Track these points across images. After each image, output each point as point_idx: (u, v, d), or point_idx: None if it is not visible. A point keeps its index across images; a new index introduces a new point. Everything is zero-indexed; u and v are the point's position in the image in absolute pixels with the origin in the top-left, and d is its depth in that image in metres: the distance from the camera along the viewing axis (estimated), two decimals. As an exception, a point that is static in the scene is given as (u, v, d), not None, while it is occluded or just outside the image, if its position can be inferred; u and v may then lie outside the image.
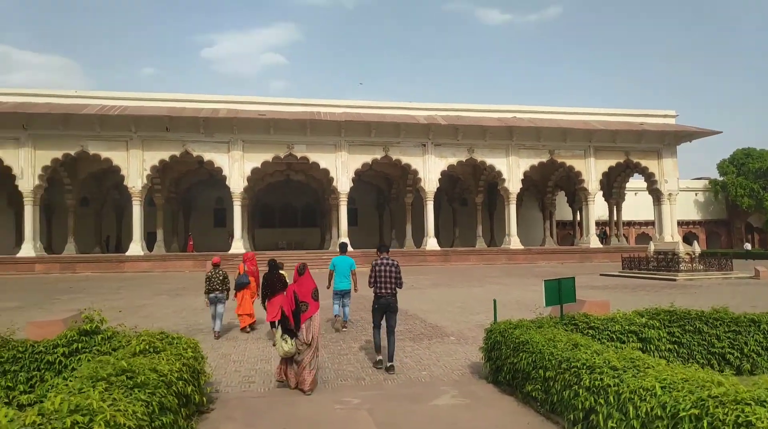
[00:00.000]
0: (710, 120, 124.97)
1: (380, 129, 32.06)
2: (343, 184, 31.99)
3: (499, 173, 34.14)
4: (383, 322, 7.58)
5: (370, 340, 8.17)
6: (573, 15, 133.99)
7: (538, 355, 5.35)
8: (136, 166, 30.12)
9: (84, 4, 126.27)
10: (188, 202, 41.80)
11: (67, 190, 34.31)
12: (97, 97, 31.64)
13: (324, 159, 31.95)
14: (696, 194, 52.67)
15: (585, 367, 4.57)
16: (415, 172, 33.26)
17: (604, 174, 36.23)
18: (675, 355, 6.87)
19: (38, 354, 5.50)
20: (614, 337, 6.67)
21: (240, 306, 10.36)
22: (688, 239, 43.93)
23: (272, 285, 9.18)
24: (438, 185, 33.51)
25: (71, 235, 33.80)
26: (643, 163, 35.93)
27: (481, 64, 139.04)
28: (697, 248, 23.09)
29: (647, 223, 48.56)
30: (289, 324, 6.45)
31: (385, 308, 7.50)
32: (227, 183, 31.17)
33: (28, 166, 29.15)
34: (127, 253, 30.27)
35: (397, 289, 7.56)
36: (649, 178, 36.36)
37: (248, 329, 10.44)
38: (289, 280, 8.61)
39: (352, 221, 36.25)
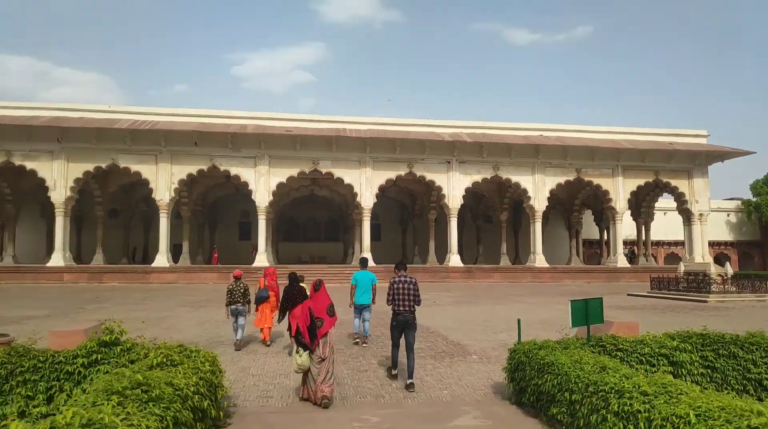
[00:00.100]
0: (743, 140, 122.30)
1: (405, 146, 32.09)
2: (367, 199, 32.02)
3: (525, 191, 33.78)
4: (402, 340, 7.55)
5: (390, 356, 8.06)
6: (602, 35, 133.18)
7: (564, 378, 5.16)
8: (164, 180, 30.63)
9: (121, 24, 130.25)
10: (214, 216, 42.27)
11: (97, 201, 35.04)
12: (128, 112, 32.37)
13: (348, 175, 32.06)
14: (728, 215, 51.28)
15: (613, 391, 4.38)
16: (439, 189, 33.11)
17: (633, 193, 35.55)
18: (708, 380, 6.58)
19: (58, 364, 5.51)
20: (644, 360, 6.43)
21: (259, 319, 10.44)
22: (719, 260, 42.69)
23: (293, 297, 9.18)
24: (462, 202, 33.29)
25: (100, 246, 34.43)
26: (673, 182, 35.19)
27: (509, 83, 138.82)
28: (729, 269, 22.40)
29: (677, 244, 47.36)
30: (303, 338, 6.42)
31: (403, 325, 7.49)
32: (253, 197, 31.45)
33: (61, 178, 29.87)
34: (153, 265, 30.66)
35: (416, 306, 7.57)
36: (679, 197, 35.57)
37: (268, 342, 10.44)
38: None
39: (375, 236, 36.17)
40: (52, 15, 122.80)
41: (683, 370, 6.44)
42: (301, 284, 9.66)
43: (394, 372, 7.71)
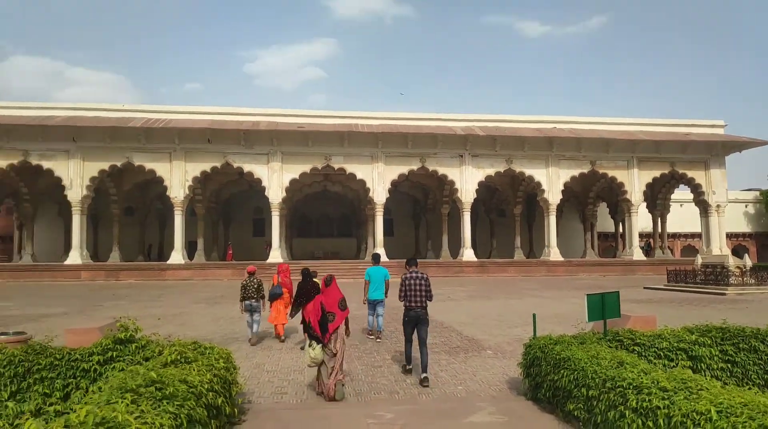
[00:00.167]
0: (762, 130, 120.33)
1: (417, 140, 31.99)
2: (380, 194, 31.99)
3: (539, 184, 33.54)
4: (414, 336, 7.58)
5: (403, 352, 8.06)
6: (617, 25, 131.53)
7: (581, 373, 5.08)
8: (178, 177, 30.84)
9: (134, 23, 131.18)
10: (228, 213, 42.53)
11: (112, 200, 35.42)
12: (142, 111, 32.62)
13: (361, 170, 32.05)
14: (746, 206, 50.51)
15: (632, 387, 4.30)
16: (452, 183, 32.98)
17: (648, 185, 35.14)
18: (728, 375, 6.46)
19: (74, 361, 5.55)
20: (662, 354, 6.32)
21: (274, 316, 10.53)
22: (737, 252, 42.06)
23: (307, 292, 9.23)
24: (475, 196, 33.13)
25: (116, 244, 34.83)
26: (690, 174, 34.71)
27: (521, 75, 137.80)
28: (748, 261, 22.08)
29: (693, 236, 46.78)
30: (314, 331, 6.48)
31: (415, 321, 7.53)
32: (266, 194, 31.58)
33: (77, 177, 30.20)
34: (169, 262, 30.93)
35: (428, 301, 7.61)
36: (696, 189, 35.09)
37: (282, 338, 10.49)
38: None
39: (387, 231, 36.15)
40: (64, 16, 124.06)
41: (702, 364, 6.32)
42: (314, 280, 9.69)
43: (408, 367, 7.72)
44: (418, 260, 8.42)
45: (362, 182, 32.34)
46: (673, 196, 41.10)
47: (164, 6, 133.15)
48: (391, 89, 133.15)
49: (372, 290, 10.38)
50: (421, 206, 42.80)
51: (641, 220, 37.57)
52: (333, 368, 6.45)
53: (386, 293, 10.48)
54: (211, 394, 4.40)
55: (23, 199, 34.56)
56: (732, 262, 21.81)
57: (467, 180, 32.73)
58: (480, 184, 33.23)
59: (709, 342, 6.51)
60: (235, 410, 5.36)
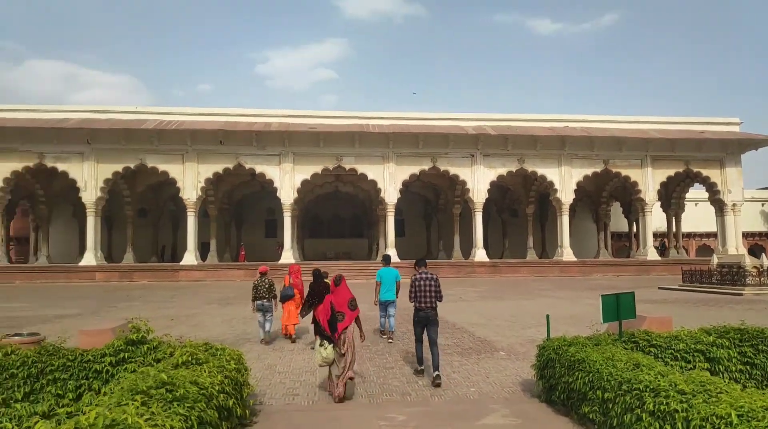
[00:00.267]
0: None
1: (428, 140, 31.90)
2: (391, 195, 31.94)
3: (551, 184, 33.29)
4: (425, 336, 7.59)
5: (414, 352, 8.02)
6: (629, 22, 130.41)
7: (596, 375, 5.00)
8: (191, 179, 31.02)
9: (146, 26, 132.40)
10: (240, 214, 42.70)
11: (126, 201, 35.72)
12: (155, 113, 32.87)
13: (372, 170, 32.02)
14: (762, 204, 49.80)
15: (648, 389, 4.22)
16: (464, 183, 32.84)
17: (662, 184, 34.74)
18: (747, 377, 6.32)
19: (87, 363, 5.57)
20: (678, 356, 6.21)
21: (286, 318, 10.56)
22: (754, 251, 41.45)
23: (319, 293, 9.21)
24: (487, 196, 32.95)
25: (130, 245, 35.12)
26: (705, 172, 34.27)
27: (533, 73, 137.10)
28: (765, 261, 21.70)
29: (709, 235, 46.21)
30: (325, 331, 6.49)
31: (425, 321, 7.53)
32: (278, 194, 31.65)
33: (91, 178, 30.48)
34: (182, 263, 31.12)
35: (437, 302, 7.61)
36: (711, 188, 34.64)
37: (293, 338, 10.50)
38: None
39: (399, 232, 36.09)
40: (79, 19, 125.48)
41: (721, 366, 6.20)
42: (325, 280, 9.68)
43: (420, 368, 7.69)
44: (429, 261, 8.42)
45: (373, 182, 32.32)
46: (687, 195, 40.61)
47: (175, 9, 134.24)
48: (402, 89, 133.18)
49: (383, 291, 10.40)
50: (433, 206, 42.69)
51: (655, 219, 37.13)
52: (343, 368, 6.45)
53: (397, 294, 10.48)
54: (222, 395, 4.38)
55: (39, 201, 34.98)
56: (749, 261, 21.47)
57: (479, 180, 32.58)
58: (492, 183, 33.06)
59: (727, 343, 6.39)
60: (247, 412, 5.35)
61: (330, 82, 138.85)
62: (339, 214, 45.10)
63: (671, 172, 34.15)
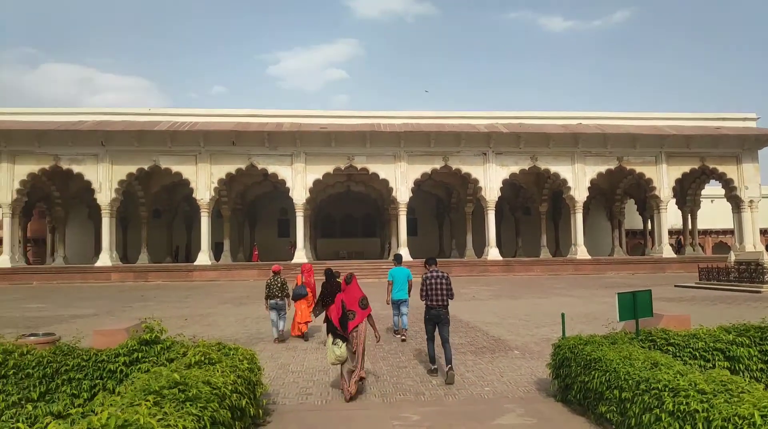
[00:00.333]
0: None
1: (440, 139, 31.79)
2: (403, 194, 31.88)
3: (564, 181, 33.02)
4: (436, 334, 7.60)
5: (426, 351, 8.00)
6: (642, 19, 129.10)
7: (613, 374, 4.92)
8: (204, 179, 31.20)
9: (160, 30, 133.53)
10: (253, 214, 42.88)
11: (140, 202, 36.04)
12: (168, 114, 33.13)
13: (383, 170, 31.98)
14: (781, 201, 49.01)
15: (668, 389, 4.13)
16: (476, 181, 32.69)
17: (678, 181, 34.31)
18: (768, 376, 6.21)
19: (101, 362, 5.60)
20: (697, 355, 6.10)
21: (298, 314, 10.58)
22: (773, 249, 40.84)
23: (332, 292, 9.21)
24: (499, 194, 32.76)
25: (144, 246, 35.43)
26: (721, 168, 33.78)
27: (545, 71, 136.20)
28: (784, 258, 21.33)
29: (725, 232, 45.61)
30: (337, 330, 6.51)
31: (436, 319, 7.54)
32: (290, 194, 31.73)
33: (106, 180, 30.78)
34: (196, 263, 31.31)
35: (449, 300, 7.62)
36: (728, 184, 34.14)
37: (306, 336, 10.53)
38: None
39: (411, 231, 36.03)
40: (94, 24, 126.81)
41: (741, 365, 6.08)
42: (337, 280, 9.69)
43: (433, 367, 7.67)
44: (442, 260, 8.42)
45: (385, 182, 32.27)
46: (703, 192, 40.08)
47: (188, 13, 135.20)
48: (414, 88, 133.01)
49: (395, 290, 10.40)
50: (445, 205, 42.55)
51: (671, 216, 36.72)
52: (355, 366, 6.45)
53: (409, 293, 10.47)
54: (234, 395, 4.37)
55: (55, 202, 35.40)
56: (767, 258, 21.12)
57: (491, 178, 32.40)
58: (504, 182, 32.86)
59: (747, 342, 6.27)
60: (260, 411, 5.33)
61: (341, 82, 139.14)
62: (351, 214, 45.12)
63: (686, 168, 33.70)
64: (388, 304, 10.67)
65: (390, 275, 10.59)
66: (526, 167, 32.75)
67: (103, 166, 30.72)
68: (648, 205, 36.96)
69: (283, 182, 31.84)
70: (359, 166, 31.98)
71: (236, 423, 4.32)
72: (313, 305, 10.20)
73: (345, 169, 32.26)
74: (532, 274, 31.35)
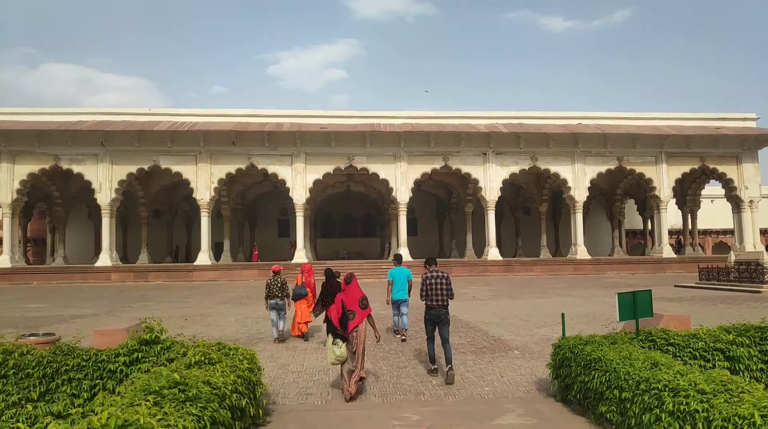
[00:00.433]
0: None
1: (439, 139, 31.79)
2: (403, 194, 31.88)
3: (564, 181, 33.03)
4: (436, 334, 7.60)
5: (426, 351, 8.00)
6: (642, 19, 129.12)
7: (613, 374, 4.92)
8: (204, 179, 31.20)
9: (160, 30, 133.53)
10: (253, 214, 42.87)
11: (140, 202, 36.03)
12: (168, 114, 33.12)
13: (383, 170, 31.98)
14: (781, 201, 49.00)
15: (668, 389, 4.13)
16: (476, 181, 32.69)
17: (678, 181, 34.32)
18: (768, 376, 6.20)
19: (101, 362, 5.59)
20: (697, 355, 6.10)
21: (298, 314, 10.58)
22: (773, 249, 40.83)
23: (332, 292, 9.20)
24: (499, 194, 32.76)
25: (144, 246, 35.43)
26: (721, 168, 33.79)
27: (545, 71, 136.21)
28: (785, 258, 21.32)
29: (725, 232, 45.61)
30: (337, 330, 6.52)
31: (435, 319, 7.54)
32: (290, 194, 31.73)
33: (106, 180, 30.77)
34: (196, 263, 31.30)
35: (449, 300, 7.62)
36: (728, 184, 34.15)
37: (305, 336, 10.53)
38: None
39: (411, 231, 36.02)
40: (93, 24, 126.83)
41: (741, 365, 6.07)
42: (337, 280, 9.68)
43: (433, 367, 7.67)
44: (442, 260, 8.42)
45: (385, 182, 32.27)
46: (703, 192, 40.10)
47: (188, 12, 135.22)
48: (414, 88, 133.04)
49: (395, 291, 10.40)
50: (445, 205, 42.55)
51: (671, 216, 36.73)
52: (355, 366, 6.45)
53: (409, 293, 10.47)
54: (235, 395, 4.36)
55: (55, 202, 35.39)
56: (767, 258, 21.12)
57: (491, 178, 32.40)
58: (504, 182, 32.86)
59: (747, 342, 6.26)
60: (260, 411, 5.33)
61: (341, 82, 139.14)
62: (351, 214, 45.12)
63: (686, 168, 33.71)
64: (388, 304, 10.67)
65: (390, 275, 10.59)
66: (526, 167, 32.75)
67: (103, 166, 30.72)
68: (648, 205, 36.97)
69: (283, 182, 31.84)
70: (359, 166, 31.97)
71: (236, 423, 4.32)
72: (313, 305, 10.20)
73: (345, 169, 32.26)
74: (532, 274, 31.36)
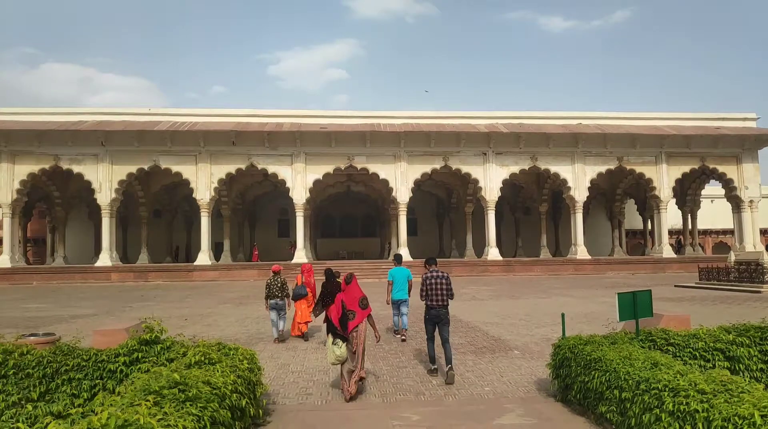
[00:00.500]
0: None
1: (439, 139, 31.79)
2: (403, 194, 31.88)
3: (564, 181, 33.03)
4: (436, 335, 7.60)
5: (426, 351, 8.00)
6: (641, 19, 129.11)
7: (613, 374, 4.92)
8: (204, 179, 31.20)
9: (160, 29, 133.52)
10: (253, 214, 42.87)
11: (140, 202, 36.02)
12: (168, 114, 33.12)
13: (383, 170, 31.98)
14: (781, 201, 48.99)
15: (668, 389, 4.13)
16: (476, 181, 32.69)
17: (678, 181, 34.32)
18: (768, 376, 6.20)
19: (101, 362, 5.59)
20: (697, 355, 6.10)
21: (298, 314, 10.58)
22: (773, 249, 40.81)
23: (332, 292, 9.20)
24: (499, 194, 32.76)
25: (144, 246, 35.43)
26: (721, 168, 33.80)
27: (545, 71, 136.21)
28: (785, 258, 21.32)
29: (725, 232, 45.63)
30: (338, 330, 6.52)
31: (435, 319, 7.54)
32: (290, 194, 31.73)
33: (106, 180, 30.77)
34: (196, 263, 31.30)
35: (449, 300, 7.62)
36: (728, 184, 34.15)
37: (305, 336, 10.53)
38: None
39: (411, 231, 36.02)
40: (93, 23, 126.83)
41: (741, 365, 6.07)
42: (338, 280, 9.68)
43: (433, 367, 7.67)
44: (442, 260, 8.42)
45: (385, 182, 32.27)
46: (703, 192, 40.11)
47: (188, 12, 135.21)
48: (414, 88, 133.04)
49: (395, 291, 10.40)
50: (445, 205, 42.55)
51: (671, 216, 36.72)
52: (355, 366, 6.46)
53: (409, 293, 10.48)
54: (235, 395, 4.36)
55: (55, 202, 35.39)
56: (767, 258, 21.12)
57: (491, 178, 32.40)
58: (504, 182, 32.86)
59: (747, 342, 6.26)
60: (260, 411, 5.33)
61: (341, 82, 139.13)
62: (351, 214, 45.11)
63: (686, 168, 33.72)
64: (388, 304, 10.67)
65: (390, 275, 10.59)
66: (526, 167, 32.75)
67: (103, 166, 30.72)
68: (648, 205, 36.98)
69: (283, 182, 31.84)
70: (359, 166, 31.97)
71: (236, 423, 4.32)
72: (313, 305, 10.20)
73: (345, 169, 32.26)
74: (532, 274, 31.36)
